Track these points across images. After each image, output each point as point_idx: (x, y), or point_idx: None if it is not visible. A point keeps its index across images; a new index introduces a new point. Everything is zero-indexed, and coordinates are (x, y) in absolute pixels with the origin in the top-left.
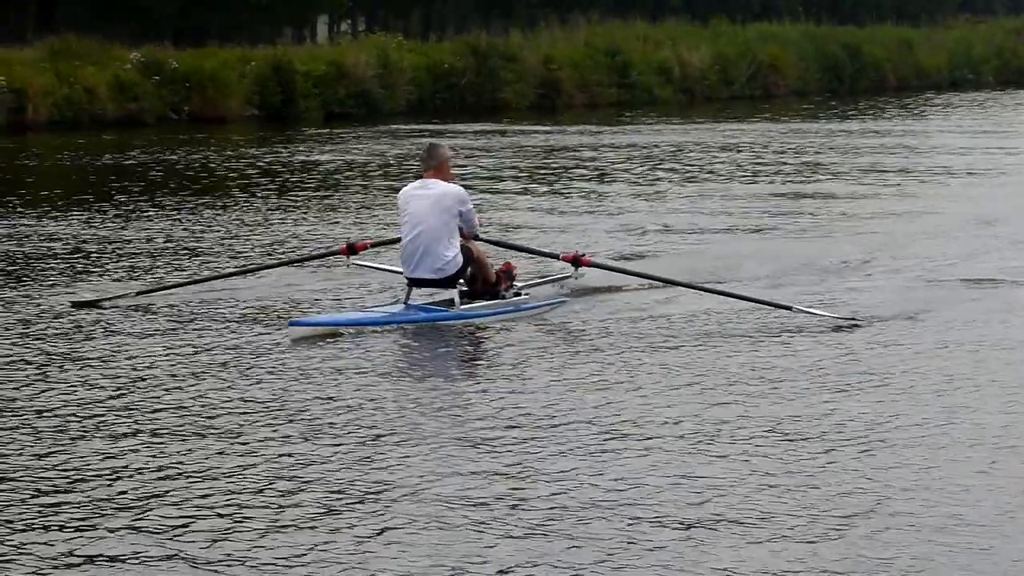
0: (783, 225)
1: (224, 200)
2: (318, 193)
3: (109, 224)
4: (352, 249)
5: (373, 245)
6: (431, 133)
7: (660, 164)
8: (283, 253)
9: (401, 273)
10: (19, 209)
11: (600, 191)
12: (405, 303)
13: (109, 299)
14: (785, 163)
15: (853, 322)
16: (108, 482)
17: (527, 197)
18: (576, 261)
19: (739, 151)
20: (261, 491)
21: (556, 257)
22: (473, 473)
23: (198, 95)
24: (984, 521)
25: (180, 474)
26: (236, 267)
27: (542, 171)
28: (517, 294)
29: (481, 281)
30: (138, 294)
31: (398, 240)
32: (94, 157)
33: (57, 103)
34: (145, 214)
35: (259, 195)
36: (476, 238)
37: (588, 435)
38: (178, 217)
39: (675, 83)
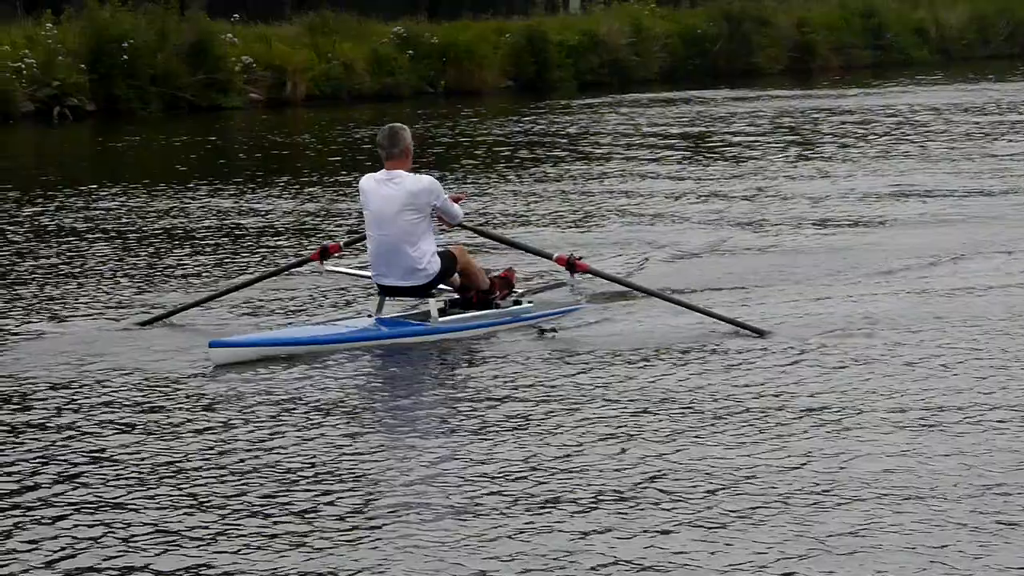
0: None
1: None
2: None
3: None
4: (325, 253)
5: (347, 244)
6: (683, 100)
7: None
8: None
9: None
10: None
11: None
12: (375, 315)
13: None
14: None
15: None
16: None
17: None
18: (571, 265)
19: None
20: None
21: (548, 257)
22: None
23: (453, 68)
24: None
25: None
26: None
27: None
28: (517, 302)
29: (475, 290)
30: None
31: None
32: (349, 130)
33: (315, 78)
34: None
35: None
36: (462, 226)
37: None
38: None
39: (931, 43)
